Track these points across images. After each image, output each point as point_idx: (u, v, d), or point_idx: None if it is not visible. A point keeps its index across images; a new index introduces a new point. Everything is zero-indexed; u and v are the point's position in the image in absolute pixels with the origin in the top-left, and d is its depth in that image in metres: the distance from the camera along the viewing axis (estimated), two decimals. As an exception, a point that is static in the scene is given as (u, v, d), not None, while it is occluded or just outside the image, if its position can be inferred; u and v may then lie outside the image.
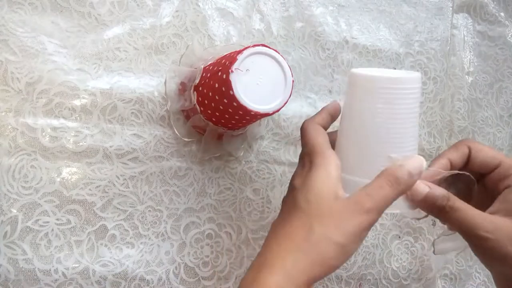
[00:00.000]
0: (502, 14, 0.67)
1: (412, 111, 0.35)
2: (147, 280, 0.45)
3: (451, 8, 0.63)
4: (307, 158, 0.36)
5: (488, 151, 0.37)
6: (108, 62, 0.45)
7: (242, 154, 0.50)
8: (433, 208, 0.34)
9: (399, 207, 0.35)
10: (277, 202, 0.52)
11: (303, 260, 0.31)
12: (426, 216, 0.36)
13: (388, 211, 0.33)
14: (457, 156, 0.37)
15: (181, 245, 0.47)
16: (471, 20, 0.65)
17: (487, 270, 0.37)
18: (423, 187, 0.34)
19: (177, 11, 0.49)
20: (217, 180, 0.49)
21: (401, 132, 0.34)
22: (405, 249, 0.58)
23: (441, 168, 0.37)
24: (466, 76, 0.64)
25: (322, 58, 0.55)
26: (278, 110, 0.38)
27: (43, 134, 0.43)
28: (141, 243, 0.46)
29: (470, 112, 0.63)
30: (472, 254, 0.36)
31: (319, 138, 0.36)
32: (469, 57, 0.64)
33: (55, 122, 0.43)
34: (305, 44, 0.54)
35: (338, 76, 0.56)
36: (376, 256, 0.56)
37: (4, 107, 0.42)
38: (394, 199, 0.32)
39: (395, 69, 0.59)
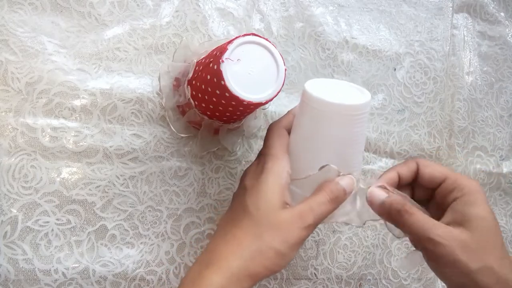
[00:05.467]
0: (502, 14, 0.67)
1: (358, 134, 0.37)
2: (147, 280, 0.45)
3: (451, 8, 0.63)
4: (262, 158, 0.38)
5: (435, 166, 0.39)
6: (108, 62, 0.45)
7: (238, 149, 0.50)
8: (390, 212, 0.36)
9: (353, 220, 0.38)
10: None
11: (248, 266, 0.34)
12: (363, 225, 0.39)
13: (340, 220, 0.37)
14: (406, 171, 0.39)
15: (181, 245, 0.47)
16: (471, 20, 0.65)
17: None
18: (381, 193, 0.36)
19: (177, 11, 0.49)
20: (217, 180, 0.49)
21: (347, 153, 0.37)
22: (405, 249, 0.58)
23: (389, 181, 0.39)
24: (466, 76, 0.64)
25: (322, 58, 0.55)
26: (271, 99, 0.37)
27: (43, 134, 0.43)
28: (141, 243, 0.46)
29: (470, 112, 0.63)
30: None
31: (278, 141, 0.38)
32: (469, 57, 0.64)
33: (55, 122, 0.43)
34: (305, 44, 0.54)
35: (338, 76, 0.56)
36: (376, 256, 0.56)
37: (4, 107, 0.42)
38: (330, 213, 0.36)
39: (394, 69, 0.59)
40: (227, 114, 0.41)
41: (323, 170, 0.37)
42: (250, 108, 0.39)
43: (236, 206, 0.38)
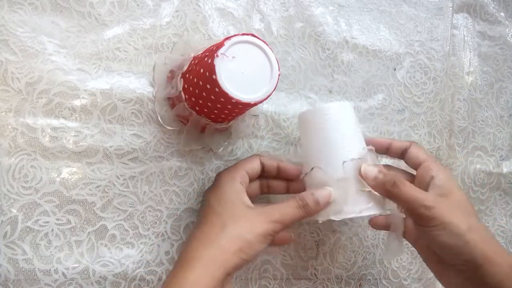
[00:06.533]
0: (502, 14, 0.67)
1: (334, 135, 0.41)
2: (147, 280, 0.45)
3: (451, 8, 0.63)
4: None
5: (420, 150, 0.45)
6: (108, 62, 0.45)
7: (238, 149, 0.50)
8: (384, 184, 0.39)
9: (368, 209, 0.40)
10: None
11: (218, 255, 0.36)
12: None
13: (359, 215, 0.40)
14: (399, 144, 0.46)
15: (181, 245, 0.47)
16: (471, 20, 0.65)
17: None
18: (373, 169, 0.40)
19: (177, 11, 0.49)
20: (217, 180, 0.49)
21: (326, 149, 0.41)
22: (405, 249, 0.58)
23: (378, 144, 0.46)
24: (466, 76, 0.64)
25: (322, 58, 0.55)
26: (261, 102, 0.37)
27: (43, 134, 0.43)
28: (141, 243, 0.46)
29: (470, 112, 0.63)
30: None
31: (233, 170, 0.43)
32: (469, 57, 0.64)
33: (55, 122, 0.43)
34: (305, 44, 0.54)
35: (338, 76, 0.56)
36: (376, 256, 0.56)
37: (4, 107, 0.42)
38: (300, 218, 0.40)
39: (394, 69, 0.59)
40: (215, 111, 0.41)
41: (312, 172, 0.41)
42: (238, 107, 0.39)
43: (202, 213, 0.42)
